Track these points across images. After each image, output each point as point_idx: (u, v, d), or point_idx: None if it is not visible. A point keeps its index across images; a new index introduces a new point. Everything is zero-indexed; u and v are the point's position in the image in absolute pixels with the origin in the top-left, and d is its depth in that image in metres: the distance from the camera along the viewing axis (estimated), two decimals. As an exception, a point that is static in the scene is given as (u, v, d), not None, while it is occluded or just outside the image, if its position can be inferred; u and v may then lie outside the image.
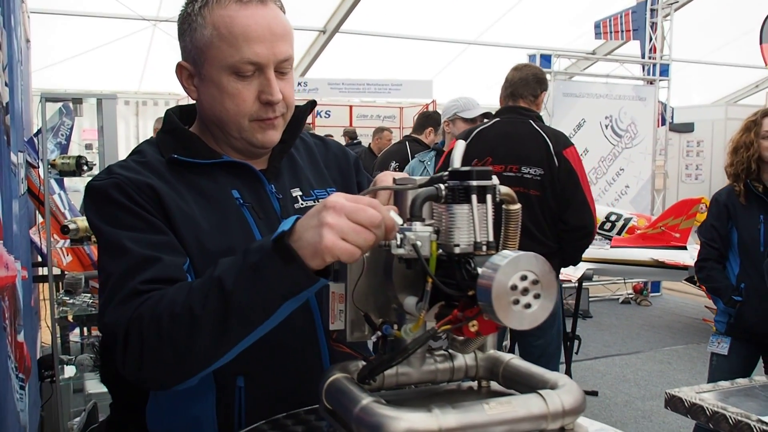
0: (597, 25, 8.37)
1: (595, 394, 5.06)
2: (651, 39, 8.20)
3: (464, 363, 1.14)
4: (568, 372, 4.77)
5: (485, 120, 3.66)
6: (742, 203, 3.13)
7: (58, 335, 3.78)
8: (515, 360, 1.12)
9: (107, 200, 1.20)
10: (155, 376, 1.09)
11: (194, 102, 1.37)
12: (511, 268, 0.87)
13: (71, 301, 3.74)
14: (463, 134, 3.45)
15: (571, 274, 4.56)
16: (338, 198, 0.97)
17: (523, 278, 0.87)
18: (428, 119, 5.33)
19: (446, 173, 0.98)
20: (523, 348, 3.41)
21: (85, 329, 4.18)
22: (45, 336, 4.85)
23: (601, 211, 6.50)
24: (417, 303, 0.98)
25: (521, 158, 3.21)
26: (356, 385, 0.99)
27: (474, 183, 0.94)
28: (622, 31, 8.19)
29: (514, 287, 0.87)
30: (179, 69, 1.31)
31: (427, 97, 11.22)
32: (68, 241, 3.90)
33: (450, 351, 1.14)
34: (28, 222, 3.92)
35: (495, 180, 0.97)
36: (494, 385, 1.16)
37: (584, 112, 7.66)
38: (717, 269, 3.24)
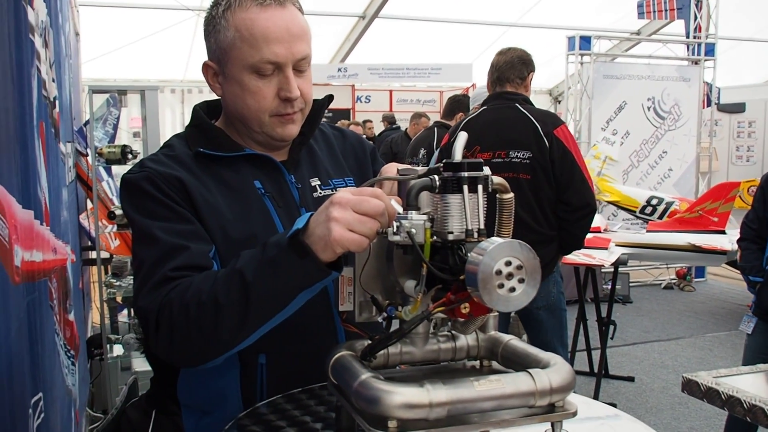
0: (640, 5, 8.19)
1: (631, 379, 5.05)
2: (696, 18, 8.00)
3: (466, 343, 1.21)
4: (602, 357, 4.77)
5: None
6: None
7: (107, 316, 3.97)
8: (513, 341, 1.18)
9: (140, 192, 1.30)
10: (184, 356, 1.20)
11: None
12: (496, 254, 0.93)
13: (118, 283, 3.92)
14: (455, 127, 3.48)
15: (605, 258, 4.53)
16: (343, 193, 1.06)
17: (508, 264, 0.93)
18: (458, 104, 5.34)
19: (442, 164, 1.05)
20: (529, 342, 3.44)
21: (132, 310, 4.38)
22: (96, 316, 5.10)
23: (641, 195, 6.42)
24: (415, 286, 1.06)
25: (508, 143, 3.20)
26: (358, 361, 1.07)
27: (465, 174, 1.00)
28: (666, 10, 8.00)
29: (498, 272, 0.93)
30: (205, 67, 1.40)
31: (467, 80, 11.17)
32: (115, 226, 4.10)
33: (453, 332, 1.21)
34: (78, 208, 4.12)
35: (487, 170, 1.03)
36: (495, 365, 1.22)
37: (625, 94, 7.54)
38: (750, 249, 3.27)
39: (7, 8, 1.30)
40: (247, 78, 1.31)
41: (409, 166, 1.16)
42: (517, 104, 3.28)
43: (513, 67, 3.33)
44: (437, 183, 1.02)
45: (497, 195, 1.09)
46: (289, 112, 1.35)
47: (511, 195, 1.09)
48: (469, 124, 3.36)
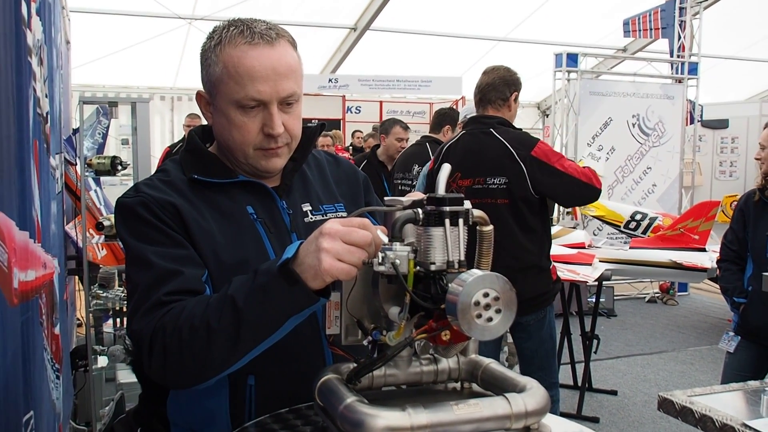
0: (626, 23, 8.35)
1: (614, 393, 5.12)
2: (680, 37, 8.15)
3: (447, 366, 1.26)
4: (586, 371, 4.83)
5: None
6: (756, 208, 3.21)
7: (92, 326, 3.97)
8: (492, 364, 1.24)
9: (134, 217, 1.33)
10: (176, 378, 1.23)
11: None
12: (474, 286, 0.98)
13: (105, 294, 3.92)
14: (438, 151, 3.50)
15: (589, 274, 4.61)
16: (332, 224, 1.10)
17: (486, 295, 0.99)
18: (444, 117, 5.38)
19: (426, 198, 1.10)
20: (517, 350, 3.47)
21: (117, 321, 4.38)
22: (79, 327, 5.08)
23: (626, 210, 6.52)
24: (399, 313, 1.11)
25: (485, 170, 3.24)
26: (344, 385, 1.12)
27: (447, 209, 1.06)
28: (651, 29, 8.16)
29: (477, 303, 0.98)
30: (199, 96, 1.45)
31: (457, 93, 11.27)
32: (103, 237, 4.11)
33: (435, 355, 1.26)
34: (65, 217, 4.12)
35: (467, 204, 1.08)
36: (475, 387, 1.28)
37: (611, 110, 7.67)
38: (731, 270, 3.33)
39: (9, 37, 1.34)
40: (233, 112, 1.35)
41: (395, 197, 1.21)
42: (491, 129, 3.28)
43: (495, 89, 3.33)
44: (421, 216, 1.07)
45: (477, 227, 1.15)
46: (272, 146, 1.39)
47: (491, 227, 1.15)
48: (450, 149, 3.40)
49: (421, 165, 5.14)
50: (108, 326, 4.53)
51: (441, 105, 11.54)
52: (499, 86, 3.34)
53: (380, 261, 1.06)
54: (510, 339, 4.23)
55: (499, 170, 3.21)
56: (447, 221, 1.06)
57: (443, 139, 5.25)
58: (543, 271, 3.33)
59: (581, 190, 3.21)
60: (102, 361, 3.88)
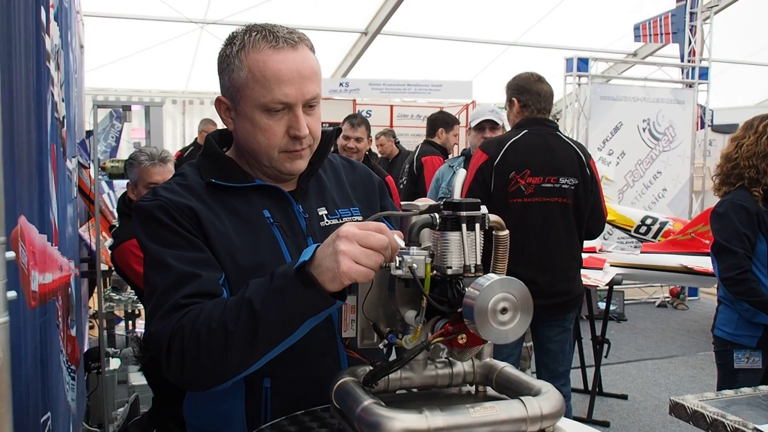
0: (636, 28, 8.34)
1: (624, 397, 5.10)
2: (690, 42, 8.13)
3: (462, 369, 1.27)
4: (596, 375, 4.82)
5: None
6: (765, 210, 3.04)
7: (105, 329, 4.00)
8: (507, 368, 1.25)
9: (153, 220, 1.35)
10: (194, 380, 1.24)
11: None
12: (492, 290, 0.99)
13: (118, 297, 3.95)
14: (494, 146, 3.37)
15: (600, 278, 4.60)
16: (349, 227, 1.12)
17: (502, 299, 1.00)
18: (436, 121, 5.72)
19: (442, 202, 1.11)
20: (547, 344, 3.48)
21: (130, 323, 4.41)
22: (92, 329, 5.12)
23: (636, 215, 6.50)
24: (415, 316, 1.12)
25: (558, 169, 3.30)
26: (361, 387, 1.13)
27: (464, 213, 1.07)
28: (662, 34, 8.14)
29: (493, 307, 0.99)
30: (218, 102, 1.46)
31: (467, 97, 11.27)
32: (116, 240, 4.13)
33: (450, 358, 1.27)
34: (79, 220, 4.16)
35: (484, 209, 1.09)
36: (490, 391, 1.28)
37: (621, 115, 7.65)
38: (756, 281, 3.02)
39: (29, 43, 1.37)
40: (259, 116, 1.37)
41: (411, 202, 1.22)
42: (558, 132, 3.41)
43: (551, 100, 3.48)
44: (437, 221, 1.08)
45: (493, 232, 1.16)
46: (297, 148, 1.41)
47: (506, 232, 1.16)
48: (516, 146, 3.33)
49: (410, 163, 5.40)
50: (120, 329, 4.57)
51: (451, 109, 11.59)
52: (552, 98, 3.52)
53: (397, 265, 1.08)
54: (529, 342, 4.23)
55: (572, 171, 3.32)
56: (464, 226, 1.07)
57: (438, 141, 5.54)
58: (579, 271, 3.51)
59: (602, 220, 3.49)
60: (114, 363, 3.91)
